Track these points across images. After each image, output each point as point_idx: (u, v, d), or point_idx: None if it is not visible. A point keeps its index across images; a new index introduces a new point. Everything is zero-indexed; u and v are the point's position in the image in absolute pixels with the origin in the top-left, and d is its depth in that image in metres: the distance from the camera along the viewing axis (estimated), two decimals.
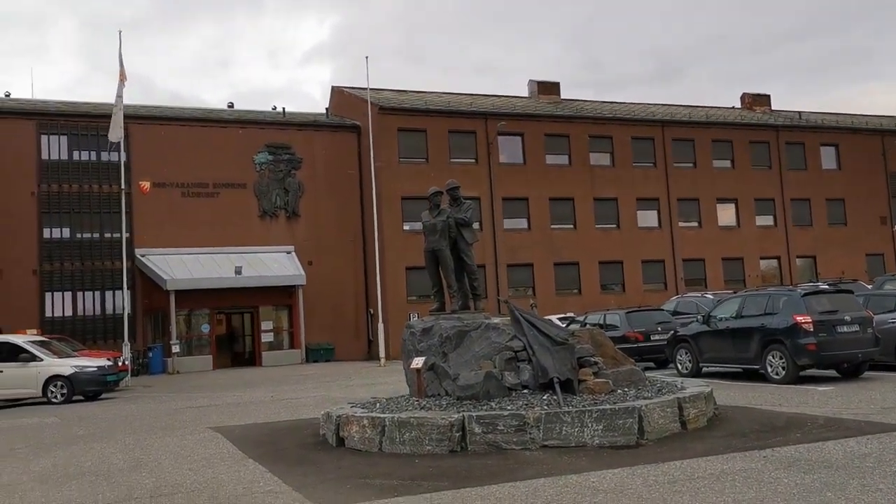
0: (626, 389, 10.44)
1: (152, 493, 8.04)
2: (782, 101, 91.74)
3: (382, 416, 9.66)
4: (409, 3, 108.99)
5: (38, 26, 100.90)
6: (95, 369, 20.78)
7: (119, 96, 27.53)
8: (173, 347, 30.81)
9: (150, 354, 31.56)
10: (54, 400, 20.07)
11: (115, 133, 27.41)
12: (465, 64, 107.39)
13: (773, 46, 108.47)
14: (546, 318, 11.78)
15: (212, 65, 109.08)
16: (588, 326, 19.79)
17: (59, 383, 20.17)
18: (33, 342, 21.23)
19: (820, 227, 45.73)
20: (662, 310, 20.89)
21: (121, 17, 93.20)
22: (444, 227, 11.70)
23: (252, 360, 34.50)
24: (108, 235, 33.19)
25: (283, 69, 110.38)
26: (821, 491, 6.70)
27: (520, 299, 31.43)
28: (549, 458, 8.52)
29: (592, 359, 10.71)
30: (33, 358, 20.34)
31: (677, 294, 39.16)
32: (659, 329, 19.83)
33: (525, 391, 10.33)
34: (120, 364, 24.38)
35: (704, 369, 17.40)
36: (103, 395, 21.68)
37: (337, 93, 42.17)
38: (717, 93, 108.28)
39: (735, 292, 21.69)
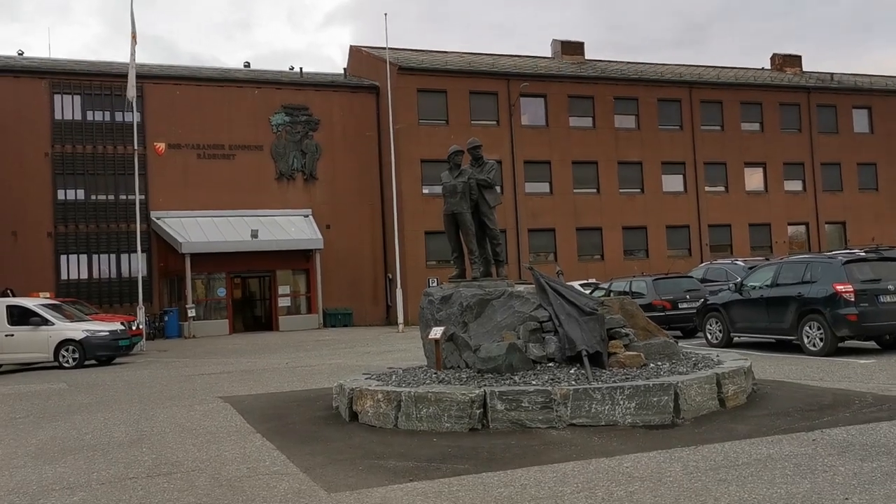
0: (659, 363, 9.73)
1: (150, 472, 7.48)
2: (814, 63, 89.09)
3: (398, 390, 9.03)
4: None
5: None
6: (107, 333, 20.37)
7: (132, 55, 26.83)
8: (189, 311, 30.44)
9: (166, 318, 31.22)
10: (66, 365, 19.69)
11: (129, 92, 26.77)
12: (487, 28, 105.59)
13: (803, 6, 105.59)
14: (570, 284, 11.04)
15: (232, 27, 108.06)
16: (612, 294, 19.07)
17: (71, 348, 19.78)
18: (45, 305, 20.82)
19: (850, 193, 44.47)
20: (691, 277, 20.08)
21: None
22: (464, 189, 10.96)
23: (269, 324, 34.12)
24: (122, 197, 32.73)
25: (303, 32, 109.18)
26: (883, 482, 5.99)
27: (542, 265, 30.64)
28: (577, 439, 7.86)
29: (623, 330, 10.01)
30: (45, 322, 19.94)
31: (704, 261, 38.35)
32: (687, 297, 19.06)
33: (551, 364, 9.66)
34: (134, 328, 23.98)
35: (735, 339, 16.66)
36: (116, 360, 21.32)
37: (355, 52, 41.20)
38: (745, 56, 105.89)
39: (768, 259, 20.85)
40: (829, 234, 44.14)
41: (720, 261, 24.45)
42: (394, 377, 10.27)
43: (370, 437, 8.54)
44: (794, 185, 43.56)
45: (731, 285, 16.46)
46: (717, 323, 16.69)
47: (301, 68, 38.03)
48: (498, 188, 11.32)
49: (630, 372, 9.27)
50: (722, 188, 41.93)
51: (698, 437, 7.73)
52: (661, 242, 40.27)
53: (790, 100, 43.77)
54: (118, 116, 32.78)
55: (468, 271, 11.40)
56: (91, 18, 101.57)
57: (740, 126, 42.50)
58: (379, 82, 36.71)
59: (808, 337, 14.36)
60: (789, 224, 43.36)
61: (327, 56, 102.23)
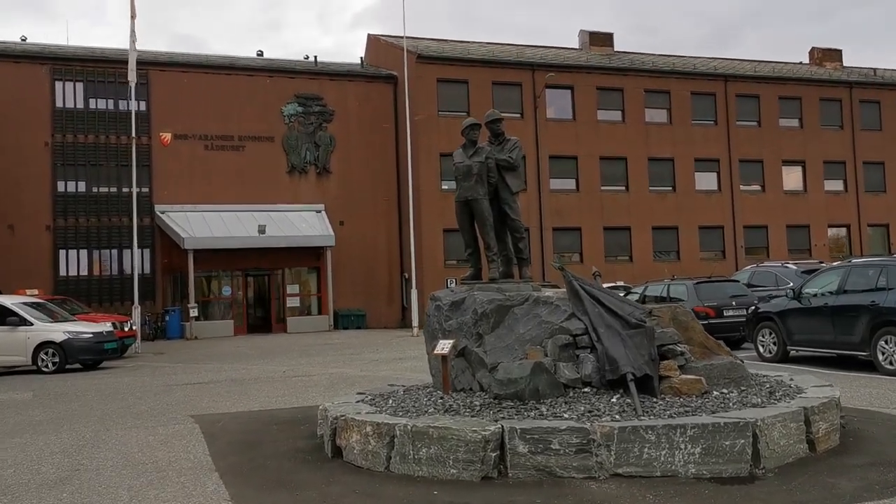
0: (724, 391, 7.72)
1: None
2: (854, 59, 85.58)
3: (392, 421, 7.09)
4: None
5: None
6: (91, 336, 18.59)
7: (132, 33, 25.14)
8: (191, 311, 28.68)
9: (167, 318, 29.49)
10: (45, 369, 17.95)
11: (130, 75, 25.06)
12: (513, 29, 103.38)
13: (836, 9, 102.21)
14: (607, 287, 8.94)
15: (262, 28, 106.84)
16: (647, 300, 17.02)
17: (51, 351, 18.04)
18: (25, 304, 19.07)
19: (894, 194, 41.96)
20: (736, 281, 17.97)
21: None
22: (481, 171, 9.01)
23: (277, 326, 32.26)
24: (126, 190, 30.97)
25: (332, 32, 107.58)
26: None
27: (568, 267, 28.54)
28: (625, 496, 5.89)
29: (678, 347, 7.99)
30: (23, 322, 18.20)
31: (740, 264, 36.13)
32: (733, 304, 16.96)
33: (587, 390, 7.68)
34: (127, 329, 22.26)
35: (792, 353, 14.56)
36: (104, 364, 19.58)
37: (373, 41, 39.35)
38: (778, 56, 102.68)
39: (821, 262, 18.68)
40: (872, 237, 41.68)
41: (767, 263, 22.28)
42: (391, 401, 8.34)
43: (353, 485, 6.60)
44: (835, 185, 41.13)
45: (787, 291, 14.34)
46: (770, 334, 14.60)
47: (315, 57, 36.22)
48: (521, 171, 9.17)
49: (689, 402, 7.27)
50: (758, 187, 39.61)
51: (789, 498, 5.73)
52: (693, 244, 38.03)
53: (831, 95, 41.37)
54: (122, 105, 31.09)
55: (485, 272, 9.43)
56: (119, 17, 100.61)
57: (778, 122, 40.17)
58: (397, 72, 34.81)
59: (883, 353, 12.26)
60: (829, 226, 40.94)
61: (355, 55, 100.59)
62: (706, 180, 38.74)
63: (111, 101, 31.58)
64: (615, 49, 42.34)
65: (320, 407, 8.63)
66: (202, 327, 29.49)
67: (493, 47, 39.54)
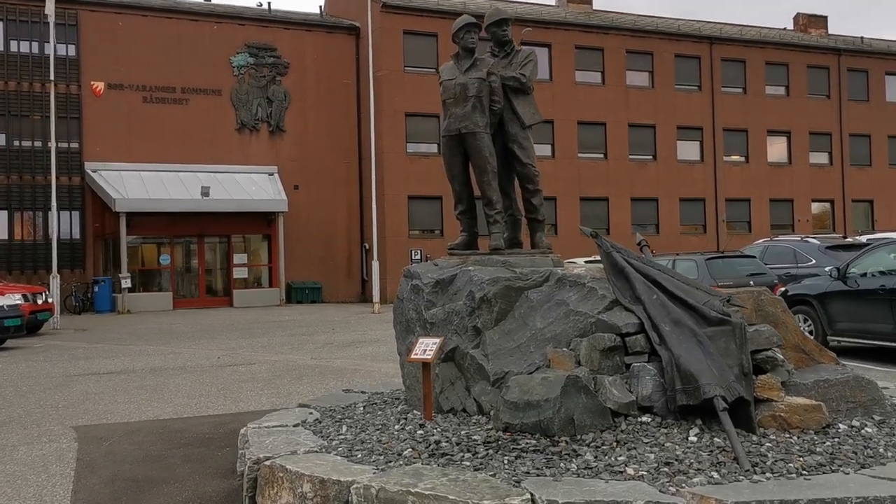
0: (852, 423, 5.12)
1: None
2: (839, 28, 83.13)
3: (346, 476, 4.34)
4: None
5: None
6: None
7: None
8: (123, 282, 25.47)
9: (97, 289, 26.28)
10: None
11: (47, 6, 21.64)
12: None
13: None
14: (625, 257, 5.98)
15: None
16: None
17: None
18: None
19: (880, 168, 40.16)
20: (753, 257, 15.50)
21: None
22: (481, 92, 6.26)
23: (222, 298, 29.14)
24: (52, 145, 27.55)
25: (303, 4, 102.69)
26: None
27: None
28: None
29: (777, 355, 5.35)
30: None
31: (721, 238, 33.99)
32: (751, 283, 14.45)
33: (646, 419, 5.02)
34: (41, 302, 19.16)
35: (833, 344, 12.11)
36: (8, 344, 16.53)
37: None
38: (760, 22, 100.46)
39: (844, 237, 16.30)
40: (855, 213, 39.85)
41: (783, 237, 19.88)
42: (345, 427, 5.61)
43: None
44: (821, 158, 39.14)
45: (830, 270, 11.85)
46: (806, 321, 12.13)
47: (269, 3, 32.85)
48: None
49: (809, 442, 4.68)
50: (742, 158, 37.43)
51: None
52: (673, 216, 35.75)
53: (819, 62, 39.24)
54: (48, 48, 27.50)
55: (488, 238, 6.69)
56: None
57: (764, 90, 37.95)
58: (360, 23, 31.73)
59: None
60: (813, 200, 38.98)
61: (314, 4, 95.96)
62: (688, 149, 36.45)
63: (35, 44, 28.01)
64: (594, 7, 39.60)
65: (241, 432, 5.88)
66: (136, 300, 26.33)
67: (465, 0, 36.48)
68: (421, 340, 5.67)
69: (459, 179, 6.51)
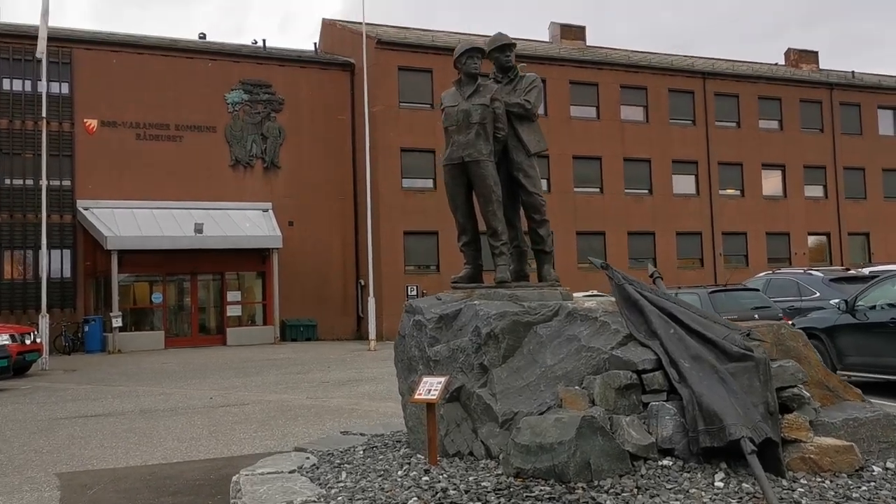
0: (888, 465, 4.80)
1: None
2: (831, 62, 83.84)
3: None
4: None
5: None
6: None
7: (45, 8, 21.67)
8: (113, 321, 25.02)
9: (87, 329, 25.83)
10: None
11: (39, 46, 21.55)
12: (480, 24, 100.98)
13: (784, 29, 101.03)
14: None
15: (224, 31, 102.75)
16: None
17: None
18: None
19: (875, 201, 40.12)
20: (756, 290, 15.23)
21: None
22: (485, 118, 6.02)
23: (215, 337, 28.66)
24: (43, 183, 27.30)
25: (295, 37, 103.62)
26: None
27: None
28: None
29: (803, 392, 5.04)
30: None
31: (719, 272, 33.79)
32: (756, 317, 14.18)
33: (667, 462, 4.69)
34: (29, 342, 18.74)
35: (842, 378, 11.77)
36: None
37: (328, 27, 36.18)
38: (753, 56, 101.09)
39: (847, 269, 16.05)
40: (852, 246, 39.72)
41: (785, 270, 19.63)
42: (344, 473, 5.26)
43: None
44: (815, 191, 39.11)
45: (839, 303, 11.58)
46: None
47: (264, 41, 32.89)
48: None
49: (844, 487, 4.35)
50: (737, 191, 37.36)
51: None
52: (670, 250, 35.54)
53: (811, 96, 39.41)
54: (41, 86, 27.34)
55: (486, 272, 6.41)
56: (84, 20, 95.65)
57: (758, 123, 38.02)
58: (354, 59, 31.74)
59: None
60: (809, 234, 38.86)
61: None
62: (684, 183, 36.39)
63: (28, 83, 27.89)
64: (587, 43, 39.82)
65: (234, 479, 5.53)
66: (128, 339, 25.88)
67: (460, 36, 36.61)
68: (425, 379, 5.35)
69: (462, 210, 6.24)
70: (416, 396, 5.25)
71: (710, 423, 4.61)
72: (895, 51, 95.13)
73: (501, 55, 6.34)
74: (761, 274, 18.70)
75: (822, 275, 15.60)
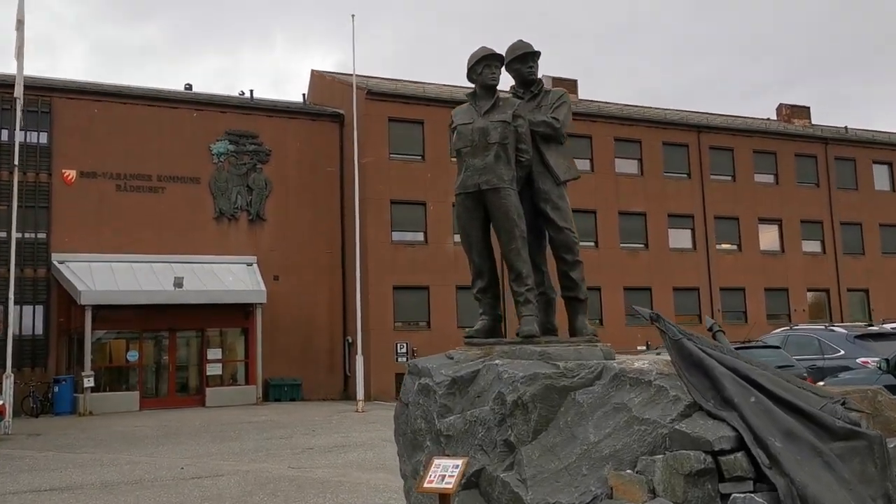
0: None
1: None
2: (822, 117, 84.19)
3: None
4: (410, 43, 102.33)
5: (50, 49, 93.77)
6: None
7: (18, 46, 20.82)
8: (85, 381, 23.54)
9: (57, 389, 24.34)
10: None
11: (16, 90, 20.62)
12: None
13: (767, 88, 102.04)
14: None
15: (215, 90, 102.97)
16: None
17: None
18: None
19: (873, 256, 39.40)
20: (778, 347, 14.14)
21: (130, 44, 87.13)
22: (505, 138, 4.99)
23: (194, 398, 27.11)
24: (19, 236, 26.08)
25: (286, 94, 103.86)
26: None
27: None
28: None
29: None
30: None
31: (724, 329, 32.75)
32: None
33: None
34: None
35: None
36: None
37: (317, 78, 35.58)
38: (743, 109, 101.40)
39: (870, 324, 15.02)
40: (852, 302, 38.86)
41: (803, 325, 18.59)
42: None
43: None
44: (813, 246, 38.35)
45: (879, 362, 10.50)
46: None
47: (252, 91, 32.12)
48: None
49: None
50: (734, 246, 36.56)
51: None
52: (667, 306, 34.36)
53: (806, 150, 38.98)
54: (21, 136, 26.36)
55: (506, 323, 5.29)
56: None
57: (753, 177, 37.45)
58: (344, 110, 30.99)
59: None
60: (808, 290, 37.99)
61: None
62: (680, 237, 35.54)
63: (5, 132, 26.85)
64: (580, 97, 39.36)
65: None
66: (100, 400, 24.34)
67: (451, 89, 36.08)
68: (436, 462, 4.19)
69: (478, 248, 5.15)
70: (426, 485, 4.08)
71: None
72: (883, 108, 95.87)
73: (523, 66, 5.35)
74: (777, 330, 17.61)
75: (845, 331, 14.54)
